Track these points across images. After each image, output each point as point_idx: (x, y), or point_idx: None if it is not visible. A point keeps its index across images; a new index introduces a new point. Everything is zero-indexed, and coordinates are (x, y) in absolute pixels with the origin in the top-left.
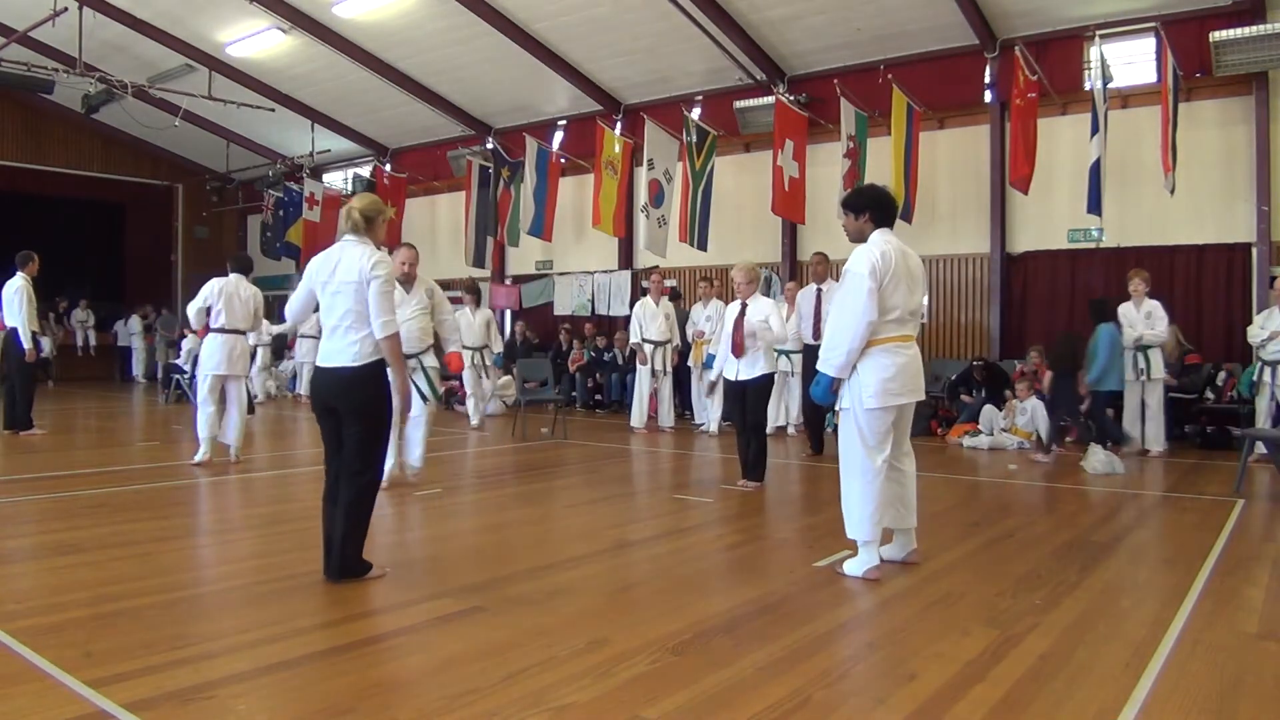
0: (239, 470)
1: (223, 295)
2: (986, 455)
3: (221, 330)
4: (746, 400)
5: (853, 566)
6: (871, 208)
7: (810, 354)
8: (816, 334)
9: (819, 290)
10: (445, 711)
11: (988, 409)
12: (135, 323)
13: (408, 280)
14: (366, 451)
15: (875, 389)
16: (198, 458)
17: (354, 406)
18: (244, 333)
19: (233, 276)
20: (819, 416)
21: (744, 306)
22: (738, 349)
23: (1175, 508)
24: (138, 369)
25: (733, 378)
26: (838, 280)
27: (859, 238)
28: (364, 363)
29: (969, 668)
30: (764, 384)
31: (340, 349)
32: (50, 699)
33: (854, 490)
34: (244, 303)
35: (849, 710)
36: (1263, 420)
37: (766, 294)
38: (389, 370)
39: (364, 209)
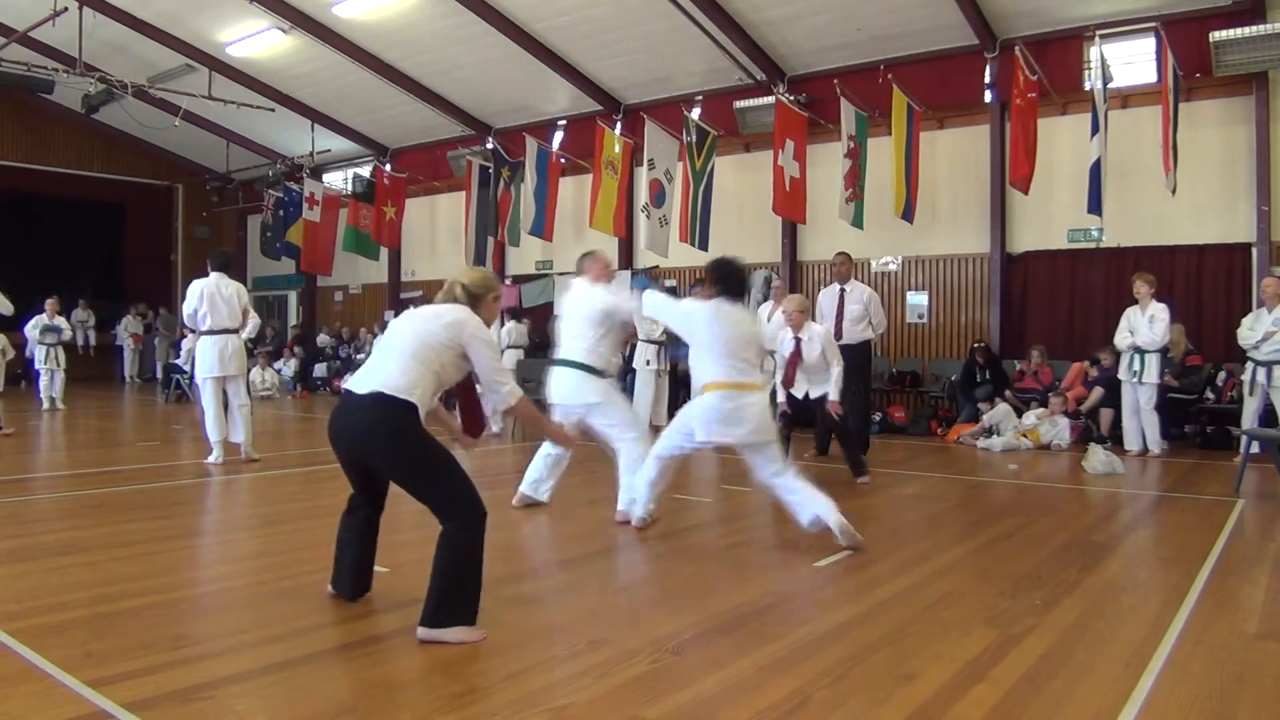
0: (245, 470)
1: (204, 297)
2: (998, 457)
3: (210, 332)
4: (819, 413)
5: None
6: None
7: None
8: (839, 334)
9: (842, 290)
10: (445, 711)
11: (1000, 408)
12: (129, 322)
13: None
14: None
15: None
16: (210, 460)
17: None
18: (234, 331)
19: (213, 276)
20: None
21: (798, 341)
22: (790, 381)
23: (1175, 508)
24: (129, 369)
25: (799, 395)
26: (860, 280)
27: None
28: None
29: (969, 668)
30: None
31: None
32: (50, 699)
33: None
34: (227, 301)
35: (849, 710)
36: (1250, 420)
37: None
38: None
39: (471, 284)
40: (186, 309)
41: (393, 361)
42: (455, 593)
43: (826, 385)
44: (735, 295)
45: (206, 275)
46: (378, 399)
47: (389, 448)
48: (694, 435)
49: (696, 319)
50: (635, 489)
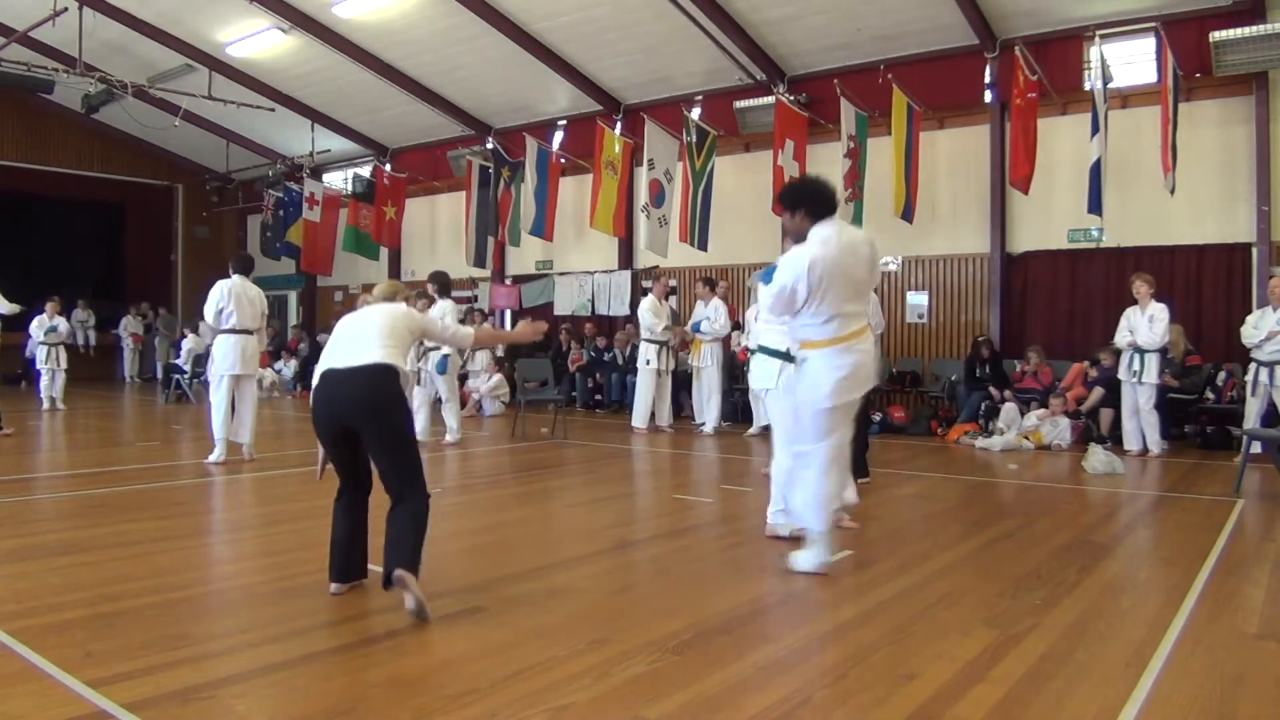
0: (245, 470)
1: (231, 295)
2: (998, 457)
3: (232, 331)
4: None
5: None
6: (806, 202)
7: None
8: None
9: None
10: (445, 711)
11: (1009, 408)
12: (129, 322)
13: None
14: None
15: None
16: (213, 458)
17: None
18: (253, 332)
19: (236, 278)
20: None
21: None
22: None
23: (1175, 508)
24: (128, 369)
25: None
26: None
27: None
28: None
29: (969, 668)
30: None
31: None
32: (50, 699)
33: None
34: (251, 302)
35: (849, 710)
36: (1252, 420)
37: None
38: None
39: (382, 296)
40: (211, 307)
41: (375, 341)
42: (420, 549)
43: None
44: (827, 213)
45: (217, 277)
46: (381, 367)
47: (390, 409)
48: (820, 407)
49: (812, 274)
50: (787, 502)
